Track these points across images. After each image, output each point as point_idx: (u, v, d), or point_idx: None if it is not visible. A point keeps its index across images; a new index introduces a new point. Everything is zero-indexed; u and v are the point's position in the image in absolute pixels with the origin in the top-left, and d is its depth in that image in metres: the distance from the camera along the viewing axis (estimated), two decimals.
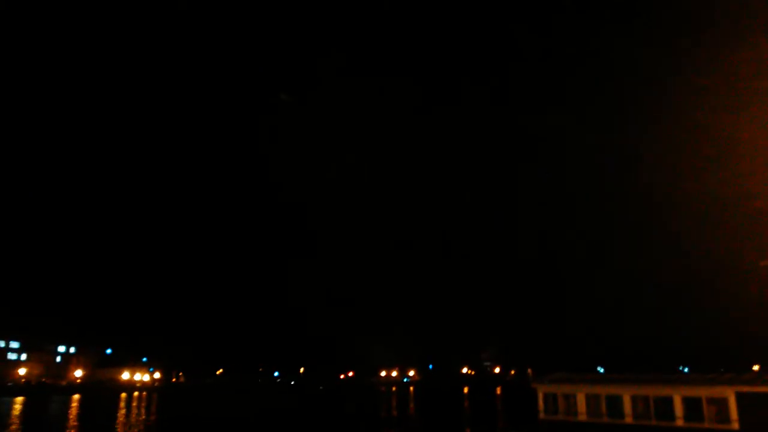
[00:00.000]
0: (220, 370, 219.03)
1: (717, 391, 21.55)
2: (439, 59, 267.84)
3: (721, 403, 21.24)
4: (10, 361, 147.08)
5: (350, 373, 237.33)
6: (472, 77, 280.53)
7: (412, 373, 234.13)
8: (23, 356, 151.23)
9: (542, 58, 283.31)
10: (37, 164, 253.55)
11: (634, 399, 23.38)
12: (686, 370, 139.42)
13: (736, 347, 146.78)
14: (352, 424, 53.73)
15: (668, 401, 22.49)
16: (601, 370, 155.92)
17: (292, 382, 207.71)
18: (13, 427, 52.17)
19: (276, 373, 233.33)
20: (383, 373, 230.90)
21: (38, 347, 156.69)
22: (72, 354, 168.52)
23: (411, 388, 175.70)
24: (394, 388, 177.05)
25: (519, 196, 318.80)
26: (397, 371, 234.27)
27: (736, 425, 20.79)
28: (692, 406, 21.94)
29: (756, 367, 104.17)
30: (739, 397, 20.95)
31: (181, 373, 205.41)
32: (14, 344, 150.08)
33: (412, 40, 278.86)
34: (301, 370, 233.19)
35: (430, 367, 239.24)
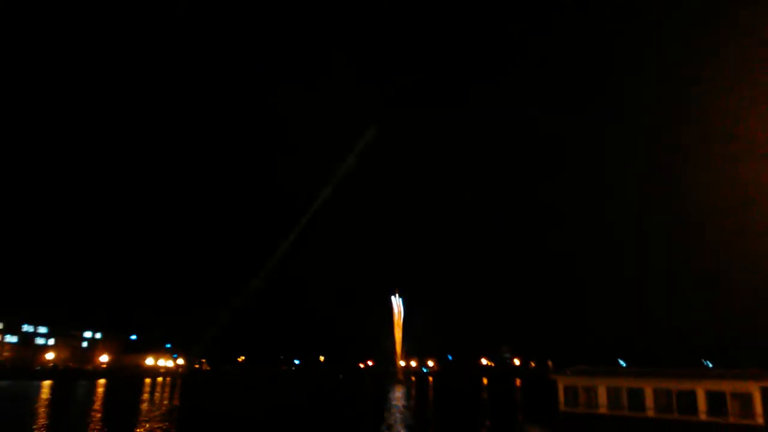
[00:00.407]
0: (242, 358, 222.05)
1: (741, 386, 21.20)
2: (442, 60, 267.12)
3: (746, 398, 20.90)
4: (38, 345, 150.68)
5: (370, 363, 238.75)
6: (478, 78, 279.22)
7: (431, 363, 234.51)
8: (51, 341, 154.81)
9: (551, 57, 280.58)
10: (52, 157, 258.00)
11: (657, 392, 23.09)
12: (710, 364, 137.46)
13: (761, 343, 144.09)
14: (368, 412, 54.05)
15: (691, 395, 22.18)
16: (623, 364, 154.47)
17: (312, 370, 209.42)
18: (42, 409, 53.53)
19: (296, 361, 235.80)
20: (402, 363, 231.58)
21: (65, 333, 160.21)
22: (98, 340, 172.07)
23: (430, 379, 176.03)
24: (413, 378, 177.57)
25: (539, 189, 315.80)
26: (416, 361, 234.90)
27: (760, 420, 20.46)
28: (716, 400, 21.61)
29: None
30: (765, 392, 20.59)
31: (204, 360, 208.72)
32: (42, 329, 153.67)
33: (418, 41, 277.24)
34: (321, 358, 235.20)
35: (450, 358, 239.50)
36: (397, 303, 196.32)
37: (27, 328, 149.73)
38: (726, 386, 21.54)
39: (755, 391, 20.75)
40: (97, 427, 40.50)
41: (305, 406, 59.10)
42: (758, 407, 20.56)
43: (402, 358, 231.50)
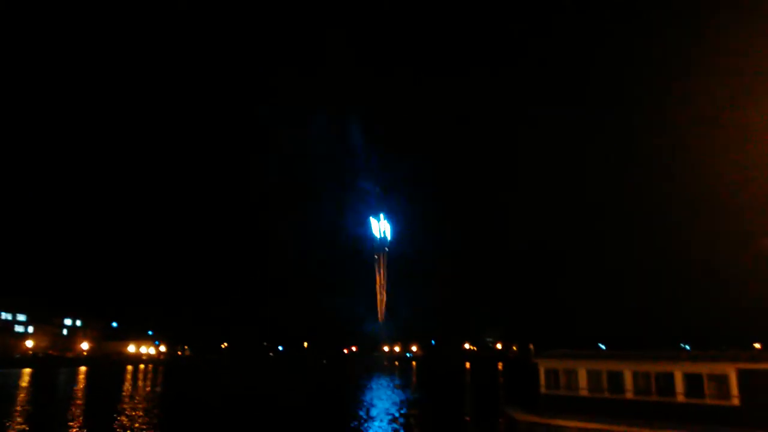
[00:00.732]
0: (225, 344, 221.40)
1: (718, 368, 21.60)
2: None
3: (722, 380, 21.30)
4: (17, 333, 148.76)
5: (353, 348, 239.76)
6: (473, 70, 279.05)
7: (414, 348, 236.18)
8: (30, 329, 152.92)
9: (548, 53, 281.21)
10: (39, 147, 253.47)
11: (635, 375, 23.46)
12: (687, 347, 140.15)
13: (737, 326, 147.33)
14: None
15: (669, 377, 22.56)
16: (603, 347, 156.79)
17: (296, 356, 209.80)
18: (22, 397, 52.96)
19: (280, 348, 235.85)
20: (386, 348, 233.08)
21: (45, 320, 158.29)
22: (78, 327, 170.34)
23: (413, 363, 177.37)
24: (396, 363, 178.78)
25: (520, 177, 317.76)
26: (399, 346, 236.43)
27: (736, 401, 20.88)
28: (693, 382, 22.00)
29: (757, 345, 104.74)
30: (741, 374, 20.99)
31: (186, 347, 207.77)
32: (21, 317, 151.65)
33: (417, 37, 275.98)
34: (305, 344, 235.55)
35: (432, 342, 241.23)
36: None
37: (5, 316, 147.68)
38: (703, 368, 21.93)
39: (731, 372, 21.16)
40: (78, 414, 40.20)
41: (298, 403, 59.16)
42: (734, 388, 20.98)
43: (386, 344, 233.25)
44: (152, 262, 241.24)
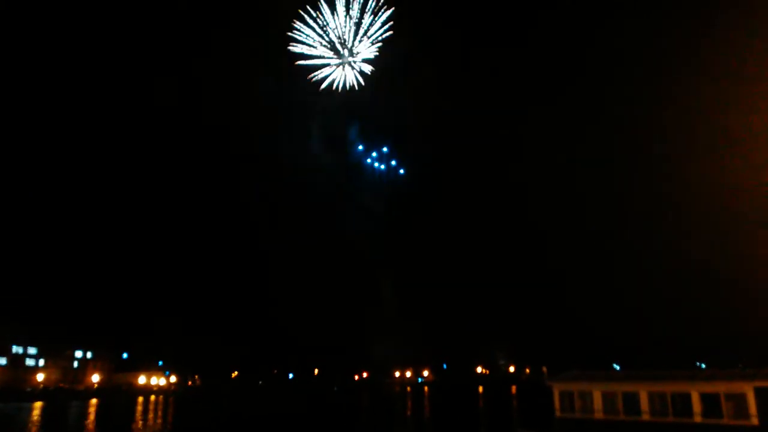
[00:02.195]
0: (235, 373, 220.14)
1: (735, 387, 21.32)
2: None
3: (740, 399, 21.00)
4: (29, 367, 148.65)
5: (364, 374, 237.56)
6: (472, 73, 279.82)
7: (426, 373, 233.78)
8: (41, 362, 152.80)
9: (549, 48, 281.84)
10: (49, 168, 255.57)
11: (651, 396, 23.17)
12: (703, 366, 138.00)
13: (754, 343, 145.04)
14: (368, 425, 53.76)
15: (686, 397, 22.27)
16: (617, 368, 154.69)
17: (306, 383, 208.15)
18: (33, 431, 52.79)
19: (290, 375, 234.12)
20: (397, 374, 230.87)
21: (56, 353, 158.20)
22: (89, 359, 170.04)
23: (425, 388, 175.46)
24: (408, 389, 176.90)
25: (529, 192, 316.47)
26: (411, 371, 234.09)
27: (755, 421, 20.55)
28: (710, 402, 21.71)
29: None
30: (758, 392, 20.70)
31: (197, 376, 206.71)
32: (32, 350, 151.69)
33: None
34: (316, 371, 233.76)
35: (444, 366, 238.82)
36: None
37: (17, 349, 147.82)
38: (720, 387, 21.65)
39: (749, 391, 20.87)
40: None
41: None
42: (752, 407, 20.68)
43: (397, 369, 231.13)
44: (162, 293, 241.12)
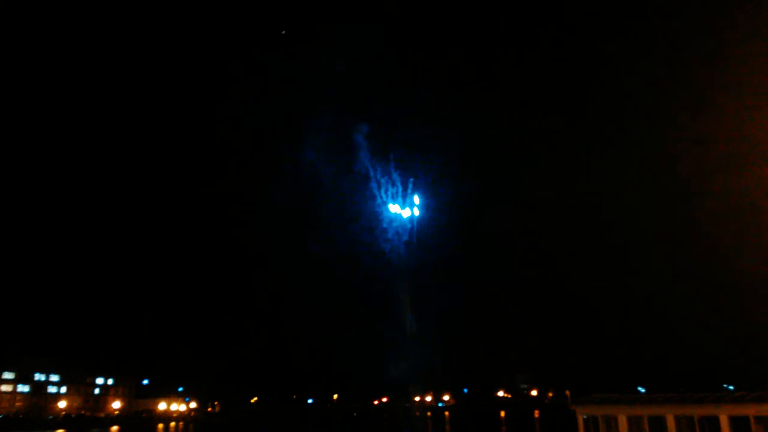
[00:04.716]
0: (255, 399, 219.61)
1: (766, 409, 20.84)
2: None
3: None
4: (50, 394, 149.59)
5: (384, 399, 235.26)
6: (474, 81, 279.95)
7: (446, 397, 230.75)
8: (63, 389, 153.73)
9: (559, 57, 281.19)
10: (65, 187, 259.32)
11: (678, 419, 22.69)
12: (731, 388, 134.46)
13: None
14: None
15: (714, 421, 21.79)
16: (642, 390, 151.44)
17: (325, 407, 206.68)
18: None
19: (310, 400, 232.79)
20: (417, 398, 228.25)
21: (77, 380, 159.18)
22: (110, 386, 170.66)
23: (446, 413, 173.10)
24: (428, 413, 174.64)
25: (549, 215, 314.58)
26: (431, 396, 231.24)
27: None
28: (740, 425, 21.22)
29: None
30: None
31: (216, 403, 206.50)
32: (54, 377, 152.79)
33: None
34: (335, 396, 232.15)
35: (465, 391, 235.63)
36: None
37: (39, 377, 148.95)
38: (749, 410, 21.18)
39: None
40: None
41: None
42: None
43: (417, 394, 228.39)
44: (182, 319, 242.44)
